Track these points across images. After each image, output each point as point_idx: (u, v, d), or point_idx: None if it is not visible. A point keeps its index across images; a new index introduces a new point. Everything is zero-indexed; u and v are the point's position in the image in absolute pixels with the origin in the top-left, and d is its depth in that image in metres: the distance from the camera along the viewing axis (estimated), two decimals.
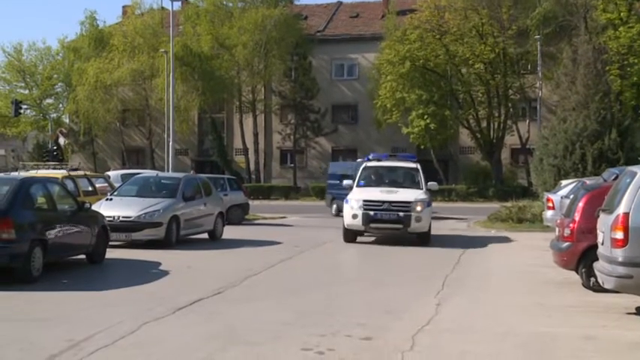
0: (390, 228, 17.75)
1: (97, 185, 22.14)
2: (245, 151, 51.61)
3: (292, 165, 51.58)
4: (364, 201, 17.59)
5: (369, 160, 20.67)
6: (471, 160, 49.31)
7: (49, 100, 60.53)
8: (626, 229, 8.59)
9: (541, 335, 8.26)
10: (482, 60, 43.21)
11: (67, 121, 57.53)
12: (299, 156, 52.49)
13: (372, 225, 17.64)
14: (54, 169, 23.56)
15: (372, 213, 17.46)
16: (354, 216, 17.56)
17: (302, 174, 51.30)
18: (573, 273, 11.54)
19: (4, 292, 10.45)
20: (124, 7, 57.84)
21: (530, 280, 12.65)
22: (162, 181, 19.62)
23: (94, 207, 15.56)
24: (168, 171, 32.99)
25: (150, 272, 12.77)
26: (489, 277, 13.19)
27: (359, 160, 28.98)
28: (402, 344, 7.63)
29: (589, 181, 16.93)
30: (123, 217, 16.41)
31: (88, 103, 50.03)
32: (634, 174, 9.04)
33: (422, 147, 45.01)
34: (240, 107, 51.86)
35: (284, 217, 28.84)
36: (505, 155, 47.33)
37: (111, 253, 14.35)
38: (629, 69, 38.07)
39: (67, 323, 8.57)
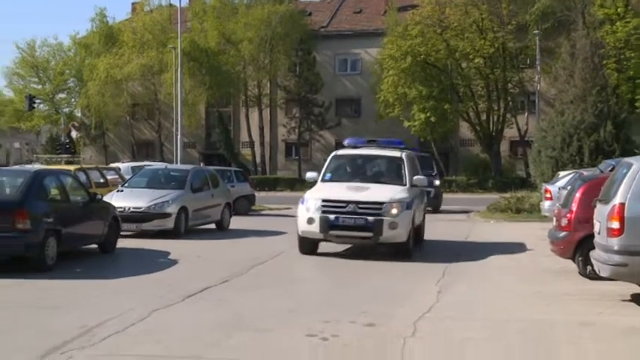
0: (356, 237, 13.44)
1: (108, 177, 22.25)
2: (251, 143, 51.66)
3: (297, 157, 51.62)
4: (323, 201, 13.33)
5: (344, 147, 16.40)
6: (471, 153, 49.26)
7: (62, 95, 60.55)
8: (621, 219, 8.59)
9: (539, 322, 8.27)
10: (482, 55, 43.08)
11: (79, 115, 57.61)
12: (303, 148, 52.51)
13: (333, 232, 13.23)
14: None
15: (332, 217, 13.11)
16: (310, 220, 13.26)
17: (306, 166, 51.13)
18: (570, 262, 11.53)
19: (20, 280, 10.51)
20: (133, 3, 57.82)
21: (529, 268, 12.65)
22: (171, 173, 19.66)
23: (106, 198, 15.66)
24: (176, 163, 33.02)
25: (159, 261, 12.81)
26: (489, 265, 13.18)
27: None
28: (404, 330, 7.64)
29: (586, 172, 16.89)
30: (133, 208, 16.47)
31: (99, 97, 50.12)
32: (630, 165, 9.03)
33: (422, 140, 44.99)
34: (246, 101, 51.91)
35: (289, 208, 28.75)
36: (504, 147, 47.28)
37: (122, 243, 14.39)
38: (625, 63, 38.00)
39: (80, 310, 8.62)
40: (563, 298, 9.81)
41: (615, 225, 8.65)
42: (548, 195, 19.27)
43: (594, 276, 10.09)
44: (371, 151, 15.50)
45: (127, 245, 14.62)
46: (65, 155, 46.79)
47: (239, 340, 7.36)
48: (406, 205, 13.44)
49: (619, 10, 38.61)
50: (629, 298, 9.54)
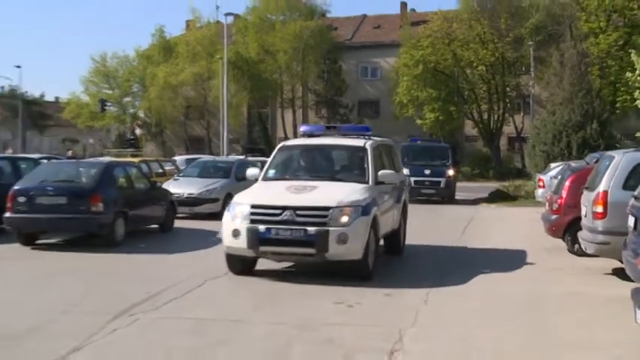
0: (294, 253, 8.62)
1: (166, 168, 22.45)
2: (286, 139, 51.58)
3: None
4: (252, 207, 8.56)
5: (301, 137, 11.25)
6: (475, 147, 48.86)
7: (128, 99, 60.85)
8: (605, 204, 8.53)
9: (533, 292, 8.23)
10: (484, 63, 42.84)
11: (142, 115, 58.08)
12: None
13: (263, 248, 8.47)
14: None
15: (262, 228, 8.37)
16: (235, 233, 8.53)
17: None
18: (560, 240, 11.42)
19: (94, 254, 10.68)
20: (187, 21, 58.01)
21: (524, 247, 12.53)
22: (219, 164, 19.76)
23: (164, 186, 15.82)
24: (223, 156, 33.19)
25: (209, 239, 12.83)
26: (489, 241, 13.05)
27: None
28: (418, 300, 7.65)
29: (574, 164, 16.60)
30: (187, 194, 16.59)
31: (158, 100, 50.57)
32: (612, 158, 8.97)
33: (433, 135, 44.77)
34: (281, 103, 52.02)
35: None
36: (503, 142, 46.91)
37: (178, 224, 14.49)
38: (607, 70, 37.51)
39: (144, 279, 8.72)
40: (554, 272, 9.73)
41: (599, 209, 8.59)
42: (541, 183, 19.04)
43: (581, 253, 9.98)
44: (327, 141, 10.41)
45: (183, 226, 14.71)
46: (130, 149, 47.14)
47: (276, 308, 7.40)
48: (362, 209, 8.49)
49: (601, 24, 38.19)
50: (611, 272, 9.44)
